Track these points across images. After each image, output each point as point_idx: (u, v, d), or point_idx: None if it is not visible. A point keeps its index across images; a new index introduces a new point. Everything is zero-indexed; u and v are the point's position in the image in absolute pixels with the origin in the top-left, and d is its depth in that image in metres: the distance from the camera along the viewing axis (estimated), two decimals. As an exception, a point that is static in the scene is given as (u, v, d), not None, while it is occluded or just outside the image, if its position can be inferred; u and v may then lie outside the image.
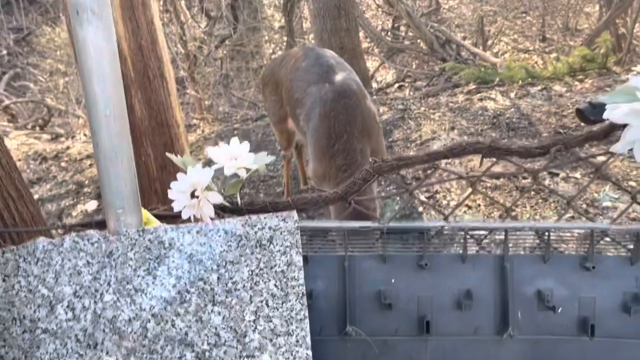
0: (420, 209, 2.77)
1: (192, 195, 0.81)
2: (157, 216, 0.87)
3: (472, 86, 4.63)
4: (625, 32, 5.72)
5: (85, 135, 5.35)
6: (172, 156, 0.85)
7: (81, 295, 0.78)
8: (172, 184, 0.81)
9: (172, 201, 0.85)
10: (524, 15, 9.49)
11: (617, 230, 0.82)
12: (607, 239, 0.86)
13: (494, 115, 3.89)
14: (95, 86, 0.75)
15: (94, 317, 0.78)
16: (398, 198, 2.94)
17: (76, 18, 0.72)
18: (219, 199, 0.82)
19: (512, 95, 4.29)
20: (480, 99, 4.25)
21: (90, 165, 4.33)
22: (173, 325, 0.79)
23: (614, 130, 0.86)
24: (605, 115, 0.81)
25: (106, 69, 0.75)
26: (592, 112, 0.88)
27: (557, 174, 3.14)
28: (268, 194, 3.40)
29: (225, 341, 0.79)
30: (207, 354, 0.79)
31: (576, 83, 4.42)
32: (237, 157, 0.82)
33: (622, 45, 5.73)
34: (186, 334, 0.79)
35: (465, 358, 0.85)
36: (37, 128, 6.13)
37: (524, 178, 3.05)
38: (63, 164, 4.47)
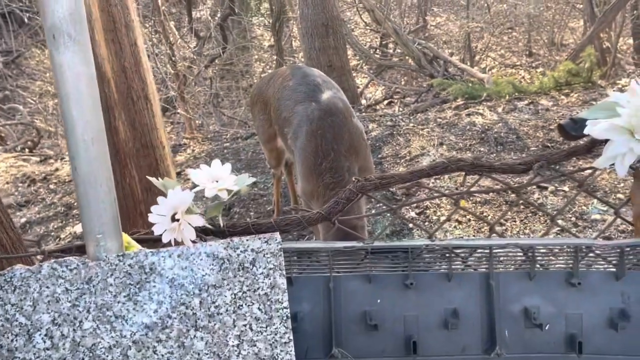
0: (411, 225, 2.76)
1: (173, 219, 0.80)
2: (139, 240, 0.86)
3: (460, 102, 4.67)
4: (610, 46, 5.82)
5: (74, 156, 5.31)
6: (152, 179, 0.84)
7: (60, 323, 0.77)
8: (153, 208, 0.80)
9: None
10: (510, 31, 9.62)
11: (601, 245, 0.82)
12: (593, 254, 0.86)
13: (482, 130, 3.92)
14: (73, 111, 0.75)
15: (72, 346, 0.76)
16: (389, 215, 2.94)
17: (53, 43, 0.72)
18: (200, 221, 0.81)
19: (500, 110, 4.32)
20: (468, 114, 4.29)
21: (79, 187, 4.30)
22: (155, 352, 0.78)
23: (595, 146, 0.86)
24: (586, 131, 0.81)
25: (84, 93, 0.75)
26: (574, 128, 0.89)
27: (546, 188, 3.16)
28: (259, 213, 3.39)
29: (208, 367, 0.78)
30: (189, 380, 0.77)
31: (562, 97, 4.47)
32: (218, 179, 0.81)
33: (606, 59, 5.82)
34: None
35: (453, 378, 0.84)
36: (27, 150, 6.09)
37: (517, 196, 3.05)
38: (52, 186, 4.43)
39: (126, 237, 0.85)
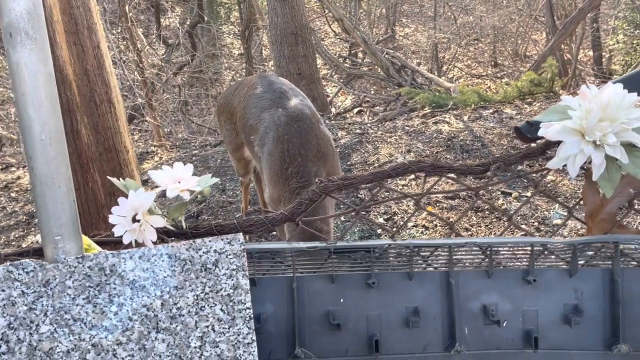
0: (379, 230, 2.79)
1: (134, 220, 0.79)
2: (99, 242, 0.85)
3: (427, 110, 4.75)
4: (571, 58, 6.02)
5: (37, 164, 5.18)
6: (114, 180, 0.84)
7: (16, 327, 0.75)
8: (113, 209, 0.79)
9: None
10: (476, 42, 9.85)
11: (555, 243, 0.85)
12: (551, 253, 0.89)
13: (448, 138, 3.99)
14: (30, 110, 0.73)
15: (29, 350, 0.75)
16: (357, 222, 2.96)
17: (9, 41, 0.70)
18: (162, 222, 0.80)
19: (466, 118, 4.41)
20: (435, 123, 4.36)
21: (42, 195, 4.19)
22: (115, 355, 0.76)
23: (550, 147, 0.89)
24: (539, 133, 0.84)
25: (41, 92, 0.74)
26: (529, 131, 0.92)
27: (510, 194, 3.24)
28: (227, 220, 3.36)
29: (169, 369, 0.77)
30: (150, 383, 0.76)
31: (525, 106, 4.59)
32: (180, 179, 0.81)
33: (567, 70, 6.01)
34: (128, 363, 0.76)
35: (415, 376, 0.85)
36: (-13, 158, 5.90)
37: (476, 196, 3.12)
38: (13, 194, 4.31)
39: (86, 240, 0.84)
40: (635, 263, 0.86)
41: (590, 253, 0.85)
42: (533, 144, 0.91)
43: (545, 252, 0.87)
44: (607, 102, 0.81)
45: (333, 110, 6.32)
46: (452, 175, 0.90)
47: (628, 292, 0.84)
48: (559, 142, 0.85)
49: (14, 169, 5.27)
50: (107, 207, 1.93)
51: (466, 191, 0.89)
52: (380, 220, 3.03)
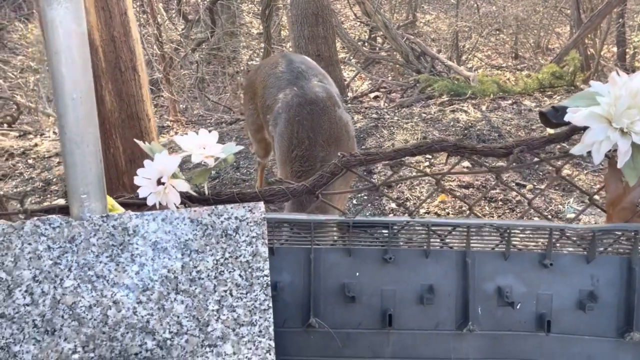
0: (393, 205, 2.79)
1: (159, 183, 0.81)
2: (123, 204, 0.87)
3: (445, 98, 4.71)
4: (594, 53, 5.92)
5: (54, 133, 5.24)
6: (140, 142, 0.85)
7: (40, 280, 0.77)
8: (139, 171, 0.81)
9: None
10: (497, 32, 9.71)
11: (574, 228, 0.85)
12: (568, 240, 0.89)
13: (465, 127, 3.97)
14: (63, 69, 0.75)
15: (53, 303, 0.77)
16: (369, 205, 2.97)
17: (46, -2, 0.71)
18: (186, 187, 0.82)
19: (484, 108, 4.37)
20: (453, 111, 4.33)
21: (59, 163, 4.25)
22: (135, 313, 0.78)
23: (574, 133, 0.89)
24: (566, 118, 0.84)
25: (75, 51, 0.75)
26: (555, 116, 0.91)
27: (524, 186, 3.22)
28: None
29: (187, 330, 0.79)
30: (168, 342, 0.78)
31: (545, 99, 4.54)
32: (205, 146, 0.82)
33: (590, 64, 5.91)
34: (148, 321, 0.78)
35: (426, 352, 0.86)
36: (5, 125, 5.98)
37: (492, 189, 3.11)
38: (30, 161, 4.36)
39: (110, 200, 0.85)
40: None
41: (609, 241, 0.85)
42: (558, 130, 0.90)
43: (563, 238, 0.87)
44: (637, 90, 0.80)
45: (350, 94, 6.29)
46: (473, 158, 0.90)
47: (645, 281, 0.84)
48: (584, 129, 0.84)
49: (31, 136, 5.33)
50: (128, 174, 1.95)
51: (488, 173, 0.89)
52: (392, 205, 3.04)
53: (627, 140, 0.80)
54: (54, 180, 3.98)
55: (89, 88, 0.77)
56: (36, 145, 4.73)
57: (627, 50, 7.22)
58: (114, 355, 0.77)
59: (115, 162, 1.94)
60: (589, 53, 6.21)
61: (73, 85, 0.75)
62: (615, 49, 7.56)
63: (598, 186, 3.07)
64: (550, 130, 0.94)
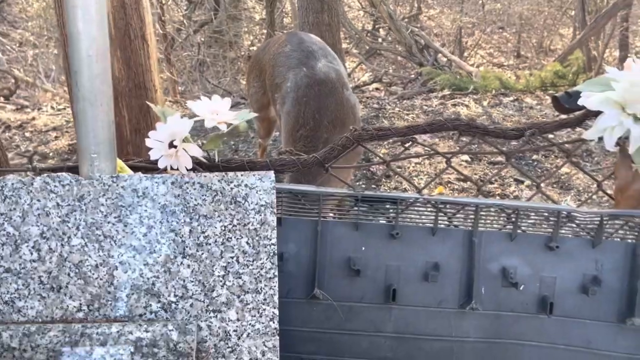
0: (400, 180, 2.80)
1: (171, 146, 0.80)
2: (132, 167, 0.86)
3: (446, 92, 4.71)
4: (597, 55, 5.92)
5: (52, 107, 5.21)
6: (152, 105, 0.84)
7: (48, 237, 0.77)
8: (150, 133, 0.80)
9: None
10: (500, 30, 9.69)
11: (582, 212, 0.85)
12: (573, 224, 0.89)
13: (469, 119, 3.97)
14: (80, 24, 0.74)
15: (59, 260, 0.76)
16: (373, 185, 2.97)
17: (66, -50, 0.70)
18: (198, 151, 0.81)
19: (485, 103, 4.38)
20: (454, 105, 4.33)
21: (56, 137, 4.22)
22: (141, 275, 0.78)
23: (587, 118, 0.89)
24: (580, 102, 0.84)
25: (92, 7, 0.74)
26: (568, 101, 0.91)
27: (522, 182, 3.23)
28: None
29: (192, 294, 0.79)
30: (173, 305, 0.78)
31: (547, 97, 4.54)
32: (218, 111, 0.82)
33: (591, 66, 5.92)
34: (153, 284, 0.78)
35: (428, 329, 0.87)
36: (2, 98, 5.92)
37: (491, 183, 3.12)
38: (27, 134, 4.34)
39: (120, 163, 0.85)
40: (658, 242, 0.87)
41: (616, 226, 0.86)
42: (571, 115, 0.91)
43: (570, 222, 0.87)
44: (653, 77, 0.80)
45: (351, 84, 6.27)
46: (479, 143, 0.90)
47: (648, 268, 0.85)
48: (597, 114, 0.84)
49: (28, 110, 5.29)
50: (132, 144, 1.94)
51: (498, 154, 0.89)
52: (397, 170, 3.04)
53: (640, 127, 0.80)
54: (51, 154, 3.96)
55: (105, 46, 0.76)
56: (34, 119, 4.69)
57: (629, 55, 7.23)
58: (118, 315, 0.77)
59: (120, 132, 1.92)
60: (591, 55, 6.22)
61: (89, 42, 0.74)
62: (617, 53, 7.57)
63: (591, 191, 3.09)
64: (562, 117, 0.95)
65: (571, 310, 0.86)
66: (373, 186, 3.31)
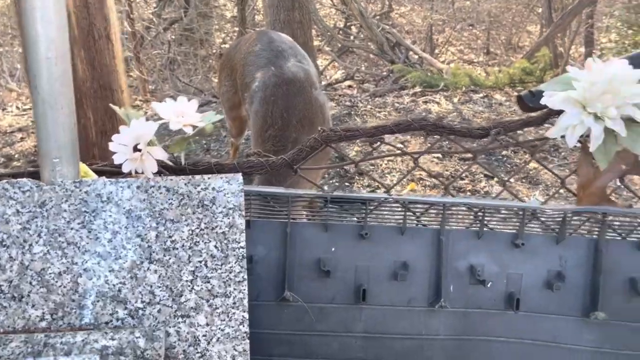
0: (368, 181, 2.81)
1: (135, 150, 0.79)
2: (96, 171, 0.84)
3: (418, 89, 4.75)
4: (563, 51, 6.05)
5: (17, 108, 5.07)
6: (115, 107, 0.83)
7: (8, 245, 0.74)
8: (114, 137, 0.79)
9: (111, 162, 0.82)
10: (470, 27, 9.82)
11: (546, 209, 0.87)
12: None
13: (437, 118, 4.01)
14: (38, 26, 0.72)
15: (20, 269, 0.74)
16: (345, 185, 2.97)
17: (22, -51, 0.68)
18: (163, 154, 0.80)
19: (456, 100, 4.43)
20: (425, 102, 4.38)
21: (22, 138, 4.12)
22: (106, 282, 0.77)
23: (550, 117, 0.91)
24: (542, 101, 0.85)
25: (51, 9, 0.72)
26: (531, 100, 0.93)
27: (492, 177, 3.28)
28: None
29: (160, 300, 0.78)
30: (140, 311, 0.77)
31: (515, 93, 4.62)
32: (184, 113, 0.80)
33: (558, 63, 6.05)
34: (119, 290, 0.77)
35: (397, 327, 0.88)
36: (-36, 98, 5.74)
37: (462, 179, 3.16)
38: (-9, 136, 4.21)
39: (83, 167, 0.83)
40: (619, 236, 0.89)
41: (579, 223, 0.88)
42: (534, 113, 0.92)
43: (535, 219, 0.89)
44: (612, 76, 0.82)
45: (323, 82, 6.27)
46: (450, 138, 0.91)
47: (610, 263, 0.87)
48: (559, 113, 0.86)
49: (-7, 110, 5.14)
50: (98, 146, 1.90)
51: (465, 153, 0.90)
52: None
53: (600, 125, 0.82)
54: (16, 156, 3.85)
55: (65, 48, 0.74)
56: (-2, 119, 4.57)
57: (594, 51, 7.41)
58: (83, 323, 0.75)
59: (86, 134, 1.88)
60: (558, 52, 6.35)
61: (48, 44, 0.72)
62: (583, 49, 7.75)
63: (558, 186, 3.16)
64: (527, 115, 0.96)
65: (537, 306, 0.88)
66: (346, 184, 3.33)
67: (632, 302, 0.86)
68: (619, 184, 0.93)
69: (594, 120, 0.82)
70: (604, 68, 0.82)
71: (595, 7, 6.96)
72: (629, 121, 0.81)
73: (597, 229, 0.88)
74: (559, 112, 0.86)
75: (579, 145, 0.89)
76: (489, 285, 0.88)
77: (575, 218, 0.88)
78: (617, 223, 0.89)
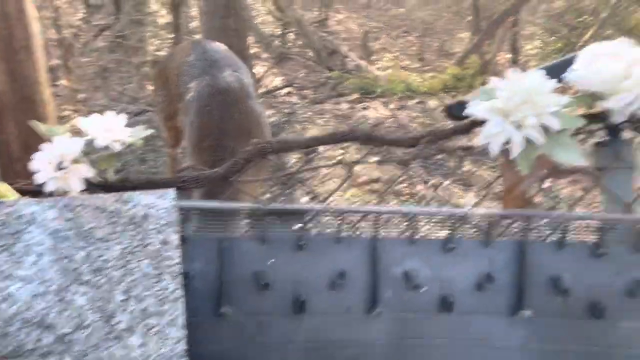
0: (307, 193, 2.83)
1: (59, 168, 0.76)
2: (19, 191, 0.80)
3: (355, 96, 4.83)
4: (491, 59, 6.34)
5: None
6: (35, 123, 0.79)
7: None
8: (36, 155, 0.75)
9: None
10: (405, 34, 10.10)
11: (474, 215, 0.91)
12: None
13: (374, 124, 4.10)
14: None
15: None
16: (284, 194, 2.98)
17: None
18: (89, 172, 0.77)
19: (392, 106, 4.54)
20: (363, 108, 4.46)
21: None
22: (30, 308, 0.73)
23: (475, 126, 0.94)
24: (466, 111, 0.89)
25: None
26: (458, 109, 0.97)
27: (428, 182, 3.39)
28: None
29: (90, 323, 0.75)
30: (68, 337, 0.74)
31: (447, 101, 4.80)
32: (111, 130, 0.78)
33: (487, 68, 6.33)
34: (46, 315, 0.73)
35: (337, 335, 0.88)
36: None
37: (406, 166, 3.24)
38: None
39: (4, 186, 0.79)
40: (541, 238, 0.94)
41: (505, 226, 0.92)
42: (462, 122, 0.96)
43: (465, 224, 0.93)
44: (529, 86, 0.87)
45: (262, 89, 6.25)
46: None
47: (534, 263, 0.92)
48: (484, 121, 0.90)
49: None
50: (21, 161, 1.80)
51: (396, 162, 0.93)
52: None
53: (520, 133, 0.86)
54: None
55: (-21, 62, 0.70)
56: None
57: (519, 58, 7.80)
58: (6, 352, 0.71)
59: (8, 149, 1.78)
60: (487, 59, 6.64)
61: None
62: (509, 56, 8.14)
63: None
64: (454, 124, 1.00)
65: (469, 308, 0.91)
66: (288, 190, 3.33)
67: (553, 299, 0.90)
68: (542, 187, 0.99)
69: (515, 128, 0.87)
70: (522, 79, 0.87)
71: (518, 16, 7.33)
72: (546, 129, 0.86)
73: (521, 231, 0.92)
74: (484, 121, 0.90)
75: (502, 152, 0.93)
76: (423, 290, 0.91)
77: (502, 222, 0.92)
78: (540, 225, 0.94)
